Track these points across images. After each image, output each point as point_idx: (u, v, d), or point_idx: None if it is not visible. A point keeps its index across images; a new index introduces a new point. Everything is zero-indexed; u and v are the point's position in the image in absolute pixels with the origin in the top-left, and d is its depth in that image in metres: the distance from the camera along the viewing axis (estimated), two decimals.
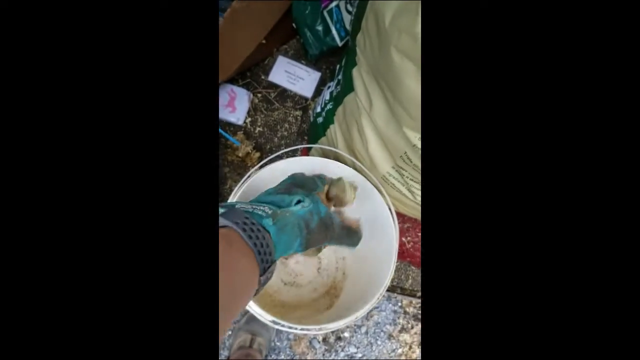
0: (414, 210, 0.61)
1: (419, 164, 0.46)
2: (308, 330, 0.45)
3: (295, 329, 0.45)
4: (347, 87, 0.53)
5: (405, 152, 0.47)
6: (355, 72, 0.50)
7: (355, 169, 0.58)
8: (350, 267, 0.71)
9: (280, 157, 0.73)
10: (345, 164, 0.58)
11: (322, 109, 0.69)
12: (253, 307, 0.47)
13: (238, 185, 0.53)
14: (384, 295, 0.94)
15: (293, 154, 0.76)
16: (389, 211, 0.55)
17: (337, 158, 0.60)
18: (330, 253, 0.72)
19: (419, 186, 0.52)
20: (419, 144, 0.43)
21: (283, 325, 0.45)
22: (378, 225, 0.57)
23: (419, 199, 0.55)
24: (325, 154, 0.67)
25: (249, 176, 0.54)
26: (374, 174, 0.57)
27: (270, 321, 0.46)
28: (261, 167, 0.55)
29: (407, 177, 0.52)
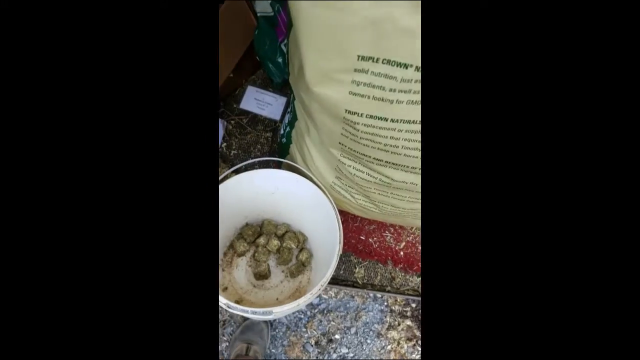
0: (361, 212, 0.71)
1: (349, 176, 0.56)
2: (255, 312, 0.54)
3: (246, 312, 0.54)
4: (294, 115, 0.64)
5: (337, 166, 0.56)
6: (296, 103, 0.60)
7: (312, 181, 0.68)
8: (314, 271, 0.80)
9: (252, 166, 0.82)
10: (304, 176, 0.68)
11: (284, 131, 0.79)
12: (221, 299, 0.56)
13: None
14: (369, 296, 1.01)
15: (265, 165, 0.86)
16: (335, 219, 0.64)
17: (295, 171, 0.70)
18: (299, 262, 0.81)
19: (355, 191, 0.62)
20: (342, 159, 0.53)
21: (236, 309, 0.54)
22: (332, 233, 0.66)
23: (360, 202, 0.64)
24: (291, 168, 0.77)
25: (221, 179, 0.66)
26: (323, 184, 0.66)
27: (224, 304, 0.55)
28: (235, 171, 0.67)
29: (346, 185, 0.61)
